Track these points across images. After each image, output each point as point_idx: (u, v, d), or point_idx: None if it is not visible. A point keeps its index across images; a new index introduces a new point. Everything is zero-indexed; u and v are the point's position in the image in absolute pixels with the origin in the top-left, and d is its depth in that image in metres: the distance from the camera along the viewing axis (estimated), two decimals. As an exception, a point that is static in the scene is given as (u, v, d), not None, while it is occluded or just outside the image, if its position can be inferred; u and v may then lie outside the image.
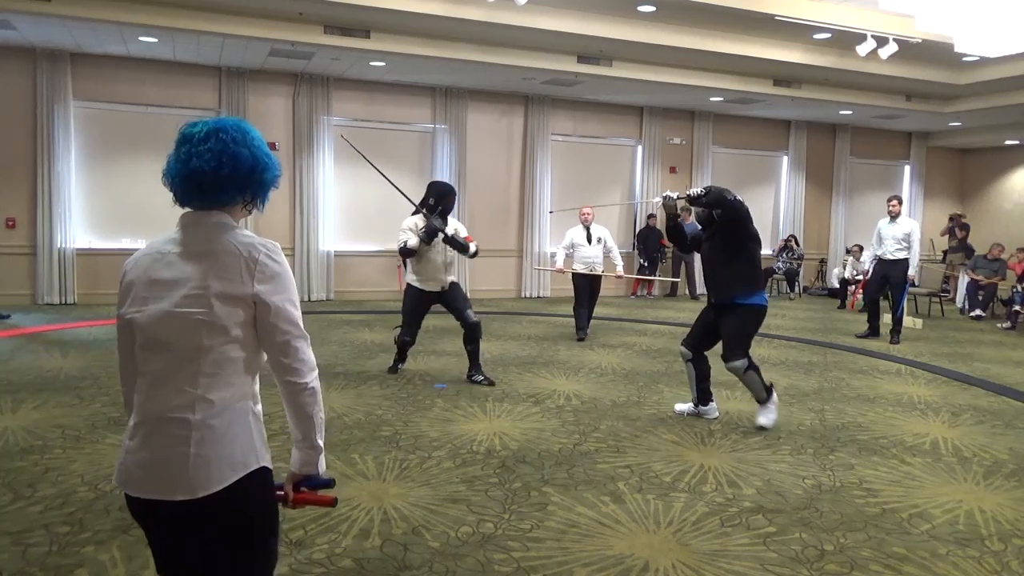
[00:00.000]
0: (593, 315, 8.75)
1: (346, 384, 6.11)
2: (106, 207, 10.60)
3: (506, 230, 12.56)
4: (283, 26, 8.95)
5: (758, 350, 8.21)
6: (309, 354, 1.84)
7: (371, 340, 8.14)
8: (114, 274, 10.56)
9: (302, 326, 1.80)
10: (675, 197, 5.21)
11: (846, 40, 9.54)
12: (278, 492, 1.81)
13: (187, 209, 1.85)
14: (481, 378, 6.25)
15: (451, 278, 6.28)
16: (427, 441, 4.68)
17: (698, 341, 5.32)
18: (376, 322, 9.49)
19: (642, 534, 3.43)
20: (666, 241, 13.32)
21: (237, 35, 8.88)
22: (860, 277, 12.52)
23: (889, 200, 9.04)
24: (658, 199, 5.35)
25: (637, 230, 13.55)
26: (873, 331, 9.21)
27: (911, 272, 8.81)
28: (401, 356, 6.58)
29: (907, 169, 16.12)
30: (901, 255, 8.80)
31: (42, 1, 8.00)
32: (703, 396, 5.37)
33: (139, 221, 10.71)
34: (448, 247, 6.11)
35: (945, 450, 4.84)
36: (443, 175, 12.12)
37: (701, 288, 13.54)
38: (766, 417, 5.20)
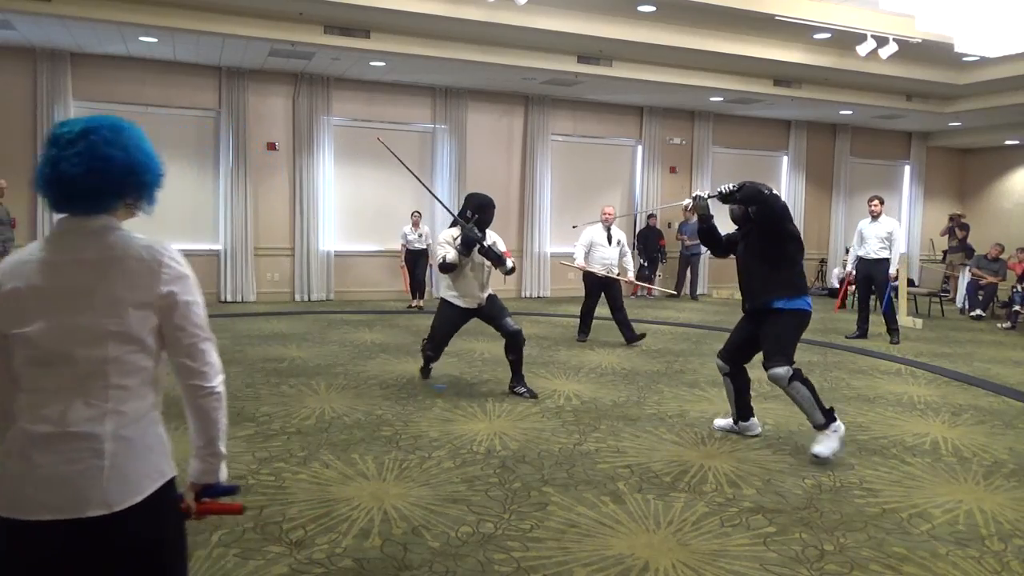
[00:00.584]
0: (597, 316, 8.66)
1: (346, 384, 6.11)
2: (106, 207, 10.59)
3: (506, 230, 12.52)
4: (283, 26, 8.95)
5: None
6: (215, 357, 1.73)
7: (371, 340, 8.14)
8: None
9: (208, 328, 1.71)
10: (707, 197, 4.70)
11: (846, 40, 9.54)
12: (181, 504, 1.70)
13: (63, 214, 1.65)
14: (524, 390, 5.87)
15: (488, 292, 6.02)
16: (427, 441, 4.68)
17: (735, 353, 4.91)
18: (376, 322, 9.49)
19: (642, 534, 3.43)
20: (665, 241, 13.33)
21: (237, 35, 8.88)
22: (842, 277, 12.54)
23: (870, 200, 9.05)
24: (688, 201, 4.83)
25: (637, 230, 13.54)
26: (862, 333, 9.19)
27: (892, 271, 8.81)
28: (426, 369, 6.36)
29: (907, 169, 16.12)
30: (884, 255, 8.84)
31: (42, 1, 8.00)
32: (743, 411, 4.96)
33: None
34: (487, 263, 5.80)
35: (945, 450, 4.84)
36: (443, 175, 12.13)
37: (702, 289, 13.56)
38: (824, 446, 4.42)
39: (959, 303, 12.70)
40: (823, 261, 15.39)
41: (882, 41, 9.20)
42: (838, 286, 13.38)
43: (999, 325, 10.77)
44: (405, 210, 12.06)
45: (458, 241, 5.67)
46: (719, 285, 14.10)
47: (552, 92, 12.26)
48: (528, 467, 4.26)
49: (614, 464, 4.36)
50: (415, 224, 10.99)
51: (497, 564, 3.09)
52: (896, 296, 9.19)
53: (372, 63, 10.28)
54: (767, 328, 4.67)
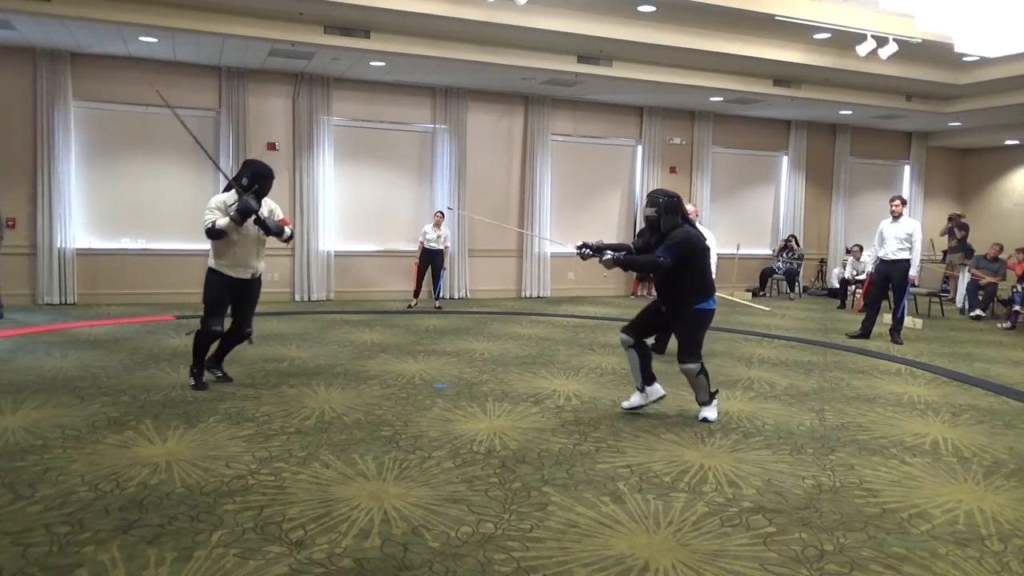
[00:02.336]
0: (600, 317, 8.69)
1: (346, 384, 6.11)
2: (106, 207, 10.60)
3: (506, 230, 12.55)
4: (283, 26, 8.95)
5: (758, 350, 8.23)
6: None
7: (371, 340, 8.14)
8: (114, 274, 10.66)
9: None
10: (589, 252, 5.26)
11: (846, 40, 9.54)
12: None
13: None
14: (220, 374, 6.01)
15: (262, 266, 5.80)
16: (427, 441, 4.68)
17: (641, 330, 5.44)
18: (376, 322, 9.49)
19: (642, 534, 3.43)
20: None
21: (237, 35, 8.88)
22: (862, 277, 12.53)
23: (892, 200, 8.92)
24: (575, 249, 5.39)
25: (637, 230, 13.52)
26: (865, 333, 9.13)
27: (912, 272, 8.70)
28: (219, 354, 5.98)
29: (907, 169, 16.12)
30: (903, 255, 8.70)
31: (42, 1, 8.00)
32: (648, 378, 5.46)
33: (139, 221, 10.72)
34: (261, 231, 5.60)
35: (945, 450, 4.84)
36: (443, 175, 12.13)
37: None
38: (711, 412, 5.37)
39: (959, 303, 12.70)
40: (823, 261, 15.39)
41: (882, 41, 9.20)
42: (838, 286, 13.39)
43: (999, 325, 10.77)
44: (405, 210, 12.08)
45: (232, 208, 5.44)
46: (719, 285, 14.07)
47: (552, 92, 12.26)
48: (528, 467, 4.26)
49: (614, 464, 4.36)
50: (437, 224, 10.98)
51: (497, 564, 3.09)
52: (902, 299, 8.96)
53: (372, 63, 10.28)
54: (680, 326, 5.34)
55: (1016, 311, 10.70)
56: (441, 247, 10.98)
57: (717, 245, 13.93)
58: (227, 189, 5.72)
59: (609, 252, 5.25)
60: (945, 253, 14.58)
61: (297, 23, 8.96)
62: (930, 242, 15.81)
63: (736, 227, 14.32)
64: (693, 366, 5.24)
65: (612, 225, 13.57)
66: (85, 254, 10.43)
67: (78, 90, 10.26)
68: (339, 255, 11.72)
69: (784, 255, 14.12)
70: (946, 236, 14.67)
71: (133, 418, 4.98)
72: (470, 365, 7.01)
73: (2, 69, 9.95)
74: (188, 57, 10.30)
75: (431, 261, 10.97)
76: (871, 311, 9.19)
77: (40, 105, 10.02)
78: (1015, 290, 10.88)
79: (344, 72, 11.03)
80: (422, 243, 10.95)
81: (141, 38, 9.19)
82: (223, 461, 4.20)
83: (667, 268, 5.16)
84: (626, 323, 5.58)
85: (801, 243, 14.55)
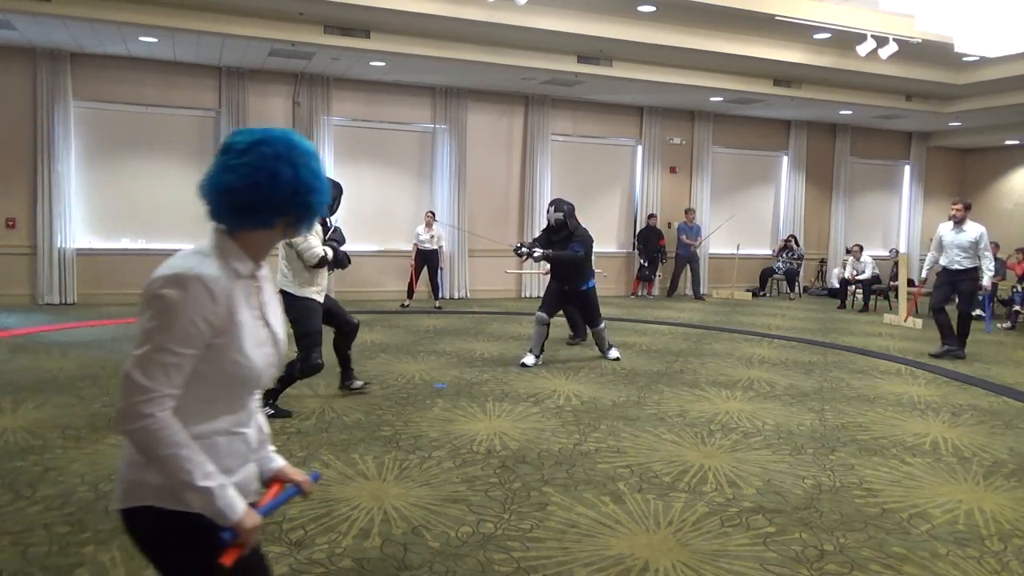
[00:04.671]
0: (605, 317, 8.63)
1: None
2: (106, 207, 10.60)
3: (506, 230, 12.55)
4: (283, 26, 8.95)
5: (758, 350, 8.23)
6: (128, 394, 1.49)
7: (371, 340, 8.14)
8: (114, 274, 10.65)
9: (142, 361, 1.48)
10: (525, 251, 7.07)
11: (846, 40, 9.54)
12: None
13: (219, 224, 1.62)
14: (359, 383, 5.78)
15: None
16: (427, 441, 4.68)
17: (554, 309, 7.18)
18: (376, 322, 9.49)
19: (642, 534, 3.43)
20: (665, 241, 13.34)
21: (237, 35, 8.88)
22: (862, 277, 12.51)
23: (953, 203, 8.07)
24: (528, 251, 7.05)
25: (637, 230, 13.55)
26: (950, 343, 8.11)
27: (985, 282, 7.91)
28: (347, 366, 5.77)
29: (907, 169, 16.12)
30: (968, 264, 7.89)
31: (42, 1, 8.00)
32: (543, 349, 7.12)
33: (139, 221, 10.72)
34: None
35: (945, 450, 4.84)
36: (443, 175, 12.13)
37: (703, 289, 13.56)
38: (615, 352, 7.41)
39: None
40: (823, 261, 15.39)
41: (882, 41, 9.20)
42: (838, 286, 13.38)
43: (999, 325, 10.76)
44: (405, 210, 12.08)
45: (330, 237, 5.30)
46: (719, 285, 14.10)
47: (552, 92, 12.26)
48: (528, 467, 4.26)
49: (614, 464, 4.36)
50: (428, 224, 10.97)
51: (497, 564, 3.09)
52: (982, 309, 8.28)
53: (372, 63, 10.28)
54: (582, 302, 7.27)
55: (1016, 311, 10.70)
56: (435, 247, 10.97)
57: (715, 245, 14.04)
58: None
59: (539, 249, 6.96)
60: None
61: (297, 23, 8.96)
62: (930, 242, 15.82)
63: (736, 227, 14.31)
64: (601, 326, 7.33)
65: (612, 225, 13.57)
66: (85, 254, 10.42)
67: (78, 90, 10.26)
68: (339, 255, 11.72)
69: (784, 255, 14.12)
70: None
71: (133, 418, 4.97)
72: (470, 365, 7.01)
73: (2, 69, 9.95)
74: (188, 57, 10.30)
75: (426, 262, 10.97)
76: (943, 324, 8.17)
77: (40, 105, 10.02)
78: (1015, 290, 10.88)
79: (344, 72, 11.03)
80: (416, 244, 10.96)
81: (141, 38, 9.19)
82: (223, 461, 4.20)
83: (581, 259, 6.89)
84: (541, 304, 7.18)
85: (801, 243, 14.55)
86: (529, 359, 7.02)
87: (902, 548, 3.34)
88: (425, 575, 2.99)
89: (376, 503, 3.67)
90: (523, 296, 12.78)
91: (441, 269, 11.29)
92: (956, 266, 7.96)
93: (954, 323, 8.15)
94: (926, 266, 8.63)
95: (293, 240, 4.91)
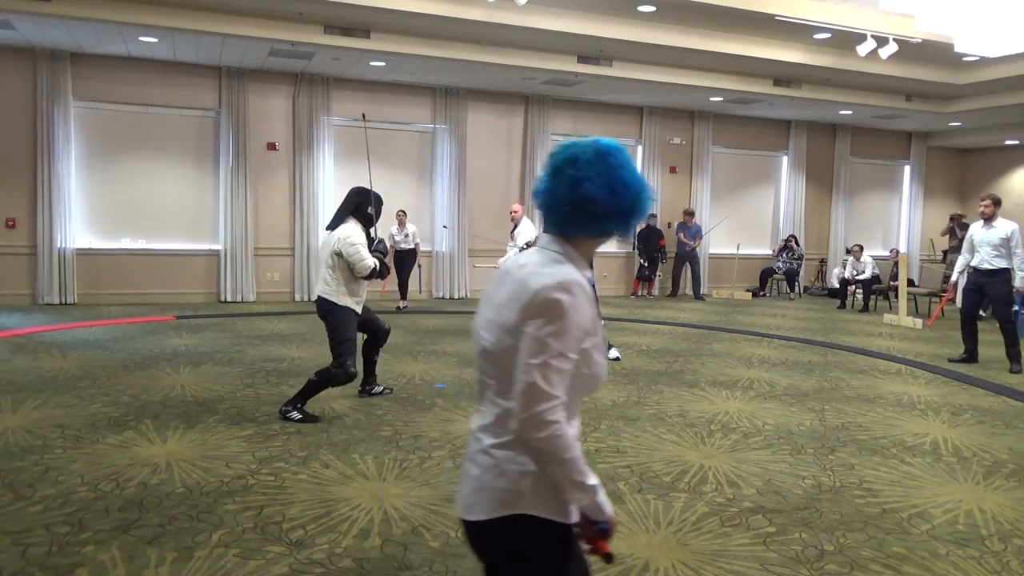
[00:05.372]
0: (604, 317, 8.73)
1: (346, 384, 6.08)
2: (106, 207, 10.60)
3: (506, 230, 12.50)
4: (283, 26, 8.95)
5: (758, 350, 8.22)
6: (540, 405, 1.51)
7: (371, 340, 8.13)
8: (114, 274, 10.65)
9: (543, 374, 1.50)
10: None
11: (846, 40, 9.54)
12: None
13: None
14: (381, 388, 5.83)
15: None
16: (427, 441, 4.68)
17: None
18: (376, 322, 9.48)
19: (642, 534, 3.43)
20: (665, 241, 13.34)
21: (237, 35, 8.88)
22: (862, 277, 12.51)
23: (981, 200, 7.64)
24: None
25: (637, 230, 13.55)
26: (970, 355, 7.82)
27: (1017, 284, 7.38)
28: (372, 371, 5.81)
29: (907, 169, 16.12)
30: (1000, 264, 7.41)
31: (42, 1, 8.00)
32: None
33: (139, 221, 10.72)
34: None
35: (945, 450, 4.84)
36: (443, 175, 12.13)
37: (703, 289, 13.56)
38: (616, 351, 7.44)
39: (959, 303, 12.68)
40: (823, 261, 15.39)
41: (882, 41, 9.20)
42: (838, 286, 13.38)
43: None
44: (405, 210, 12.07)
45: (376, 248, 5.32)
46: (719, 285, 14.10)
47: (552, 92, 12.26)
48: (528, 467, 4.25)
49: (614, 464, 4.36)
50: (400, 224, 10.89)
51: (497, 564, 3.08)
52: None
53: (372, 63, 10.28)
54: None
55: (1015, 311, 10.68)
56: (411, 246, 10.86)
57: (715, 245, 14.03)
58: (336, 221, 5.21)
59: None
60: (946, 253, 14.59)
61: (297, 23, 8.96)
62: (930, 242, 15.82)
63: (736, 227, 14.32)
64: (600, 324, 7.06)
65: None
66: (85, 254, 10.42)
67: (78, 90, 10.26)
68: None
69: (784, 255, 14.11)
70: (947, 236, 14.67)
71: (133, 418, 4.98)
72: (470, 365, 7.01)
73: (2, 69, 9.95)
74: (188, 57, 10.30)
75: (403, 261, 10.81)
76: (969, 329, 7.87)
77: (40, 105, 10.02)
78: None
79: (344, 72, 11.03)
80: (392, 246, 10.91)
81: (141, 38, 9.19)
82: (223, 461, 4.21)
83: None
84: None
85: (801, 243, 14.55)
86: None
87: (902, 548, 3.34)
88: (425, 575, 2.99)
89: (376, 503, 3.67)
90: (523, 296, 12.76)
91: (419, 266, 11.18)
92: (986, 265, 7.48)
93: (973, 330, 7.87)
94: (957, 268, 8.07)
95: (346, 251, 5.00)
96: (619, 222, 1.65)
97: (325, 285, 5.14)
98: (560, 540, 1.61)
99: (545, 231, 1.69)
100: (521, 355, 1.52)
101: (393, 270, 10.92)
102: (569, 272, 1.57)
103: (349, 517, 3.50)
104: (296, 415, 5.04)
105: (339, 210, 5.24)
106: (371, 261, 5.08)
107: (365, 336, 5.60)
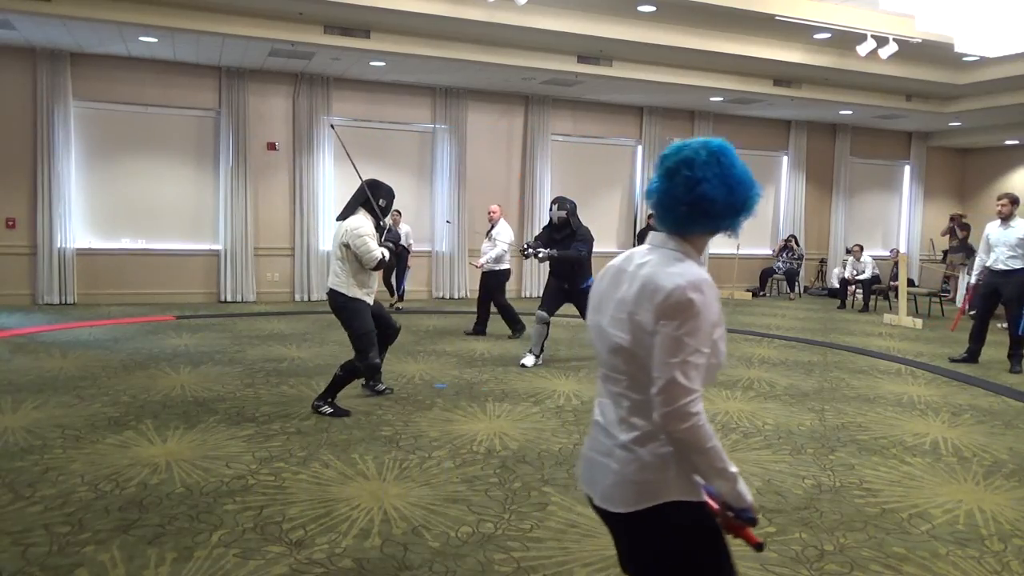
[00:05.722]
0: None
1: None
2: (106, 207, 10.60)
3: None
4: (283, 26, 8.95)
5: (758, 350, 8.23)
6: (680, 402, 1.59)
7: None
8: (114, 274, 10.66)
9: (683, 370, 1.58)
10: (529, 251, 7.10)
11: (846, 40, 9.54)
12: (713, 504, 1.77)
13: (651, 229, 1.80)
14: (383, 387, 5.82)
15: None
16: (427, 441, 4.68)
17: (554, 308, 7.13)
18: (376, 322, 9.48)
19: (642, 534, 3.42)
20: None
21: (237, 35, 8.87)
22: (862, 277, 12.51)
23: (998, 199, 7.50)
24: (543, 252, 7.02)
25: (637, 230, 13.55)
26: (971, 355, 7.80)
27: None
28: (375, 377, 5.76)
29: (907, 169, 16.12)
30: (1016, 264, 7.30)
31: (42, 1, 8.00)
32: (543, 349, 7.16)
33: (139, 221, 10.72)
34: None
35: (945, 450, 4.84)
36: (443, 175, 12.13)
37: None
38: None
39: (959, 303, 12.69)
40: (823, 261, 15.39)
41: (882, 41, 9.20)
42: (838, 286, 13.38)
43: (999, 325, 10.75)
44: (405, 210, 12.03)
45: (386, 239, 5.39)
46: (719, 285, 13.89)
47: (552, 92, 12.26)
48: (528, 467, 4.26)
49: (614, 464, 4.35)
50: (395, 223, 10.84)
51: (497, 564, 3.09)
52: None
53: (372, 63, 10.28)
54: (581, 299, 6.96)
55: None
56: (404, 245, 10.84)
57: (714, 245, 14.00)
58: (346, 212, 5.26)
59: (543, 250, 7.01)
60: (946, 253, 14.58)
61: (297, 23, 8.96)
62: (930, 242, 15.82)
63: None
64: None
65: (612, 225, 13.57)
66: (85, 254, 10.42)
67: (78, 90, 10.26)
68: (339, 255, 11.72)
69: (784, 255, 14.12)
70: (947, 236, 14.67)
71: (133, 418, 4.98)
72: (470, 365, 7.01)
73: (2, 69, 9.95)
74: (188, 57, 10.30)
75: (398, 261, 10.76)
76: (978, 330, 7.79)
77: (40, 105, 10.02)
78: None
79: (344, 72, 11.03)
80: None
81: (141, 38, 9.19)
82: (223, 461, 4.21)
83: (584, 259, 6.95)
84: (541, 303, 7.16)
85: (801, 243, 14.55)
86: (529, 360, 7.05)
87: (902, 548, 3.34)
88: (425, 575, 2.99)
89: (376, 503, 3.68)
90: (523, 296, 12.78)
91: (408, 269, 11.18)
92: (1001, 266, 7.37)
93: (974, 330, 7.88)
94: (975, 270, 7.93)
95: (353, 243, 5.03)
96: (733, 219, 1.74)
97: (335, 277, 5.18)
98: (709, 515, 1.74)
99: (660, 229, 1.76)
100: (659, 353, 1.60)
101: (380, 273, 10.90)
102: (696, 270, 1.67)
103: (349, 517, 3.50)
104: (327, 409, 5.15)
105: (349, 201, 5.30)
106: (378, 252, 5.10)
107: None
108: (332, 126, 7.50)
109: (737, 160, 1.72)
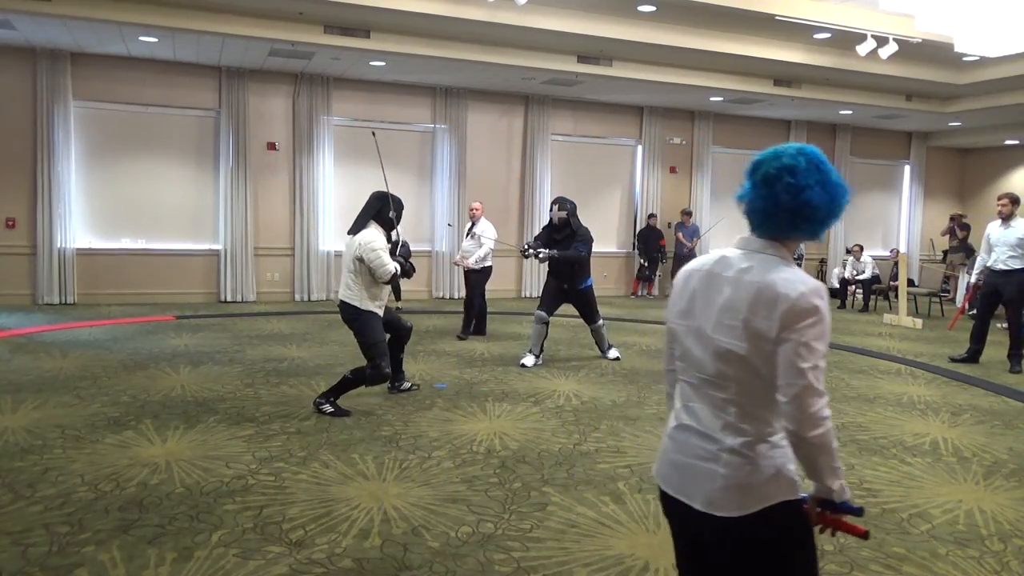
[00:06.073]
0: (605, 316, 8.68)
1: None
2: (106, 207, 10.60)
3: (506, 230, 12.53)
4: (283, 26, 8.95)
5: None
6: (815, 406, 1.64)
7: (371, 340, 8.14)
8: (114, 274, 10.66)
9: (814, 375, 1.63)
10: (530, 251, 7.09)
11: (846, 40, 9.54)
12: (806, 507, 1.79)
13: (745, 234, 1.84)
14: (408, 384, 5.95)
15: None
16: (427, 441, 4.68)
17: (553, 308, 7.14)
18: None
19: (642, 534, 3.43)
20: (666, 241, 13.35)
21: (237, 35, 8.87)
22: (862, 277, 12.50)
23: (999, 199, 7.48)
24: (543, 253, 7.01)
25: (637, 230, 13.55)
26: (972, 355, 7.80)
27: None
28: (398, 368, 5.87)
29: (907, 169, 16.12)
30: (1016, 264, 7.29)
31: (42, 1, 8.00)
32: (542, 349, 7.19)
33: (139, 221, 10.72)
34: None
35: (945, 450, 4.84)
36: (443, 175, 12.13)
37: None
38: (615, 351, 7.49)
39: (959, 303, 12.69)
40: (823, 261, 15.39)
41: (882, 41, 9.19)
42: (838, 286, 13.37)
43: (999, 325, 10.75)
44: (405, 210, 12.04)
45: (399, 254, 5.44)
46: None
47: (552, 92, 12.26)
48: (528, 467, 4.26)
49: (614, 464, 4.36)
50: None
51: (497, 564, 3.09)
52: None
53: (372, 63, 10.28)
54: (581, 300, 7.20)
55: None
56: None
57: (715, 245, 14.00)
58: (357, 226, 5.26)
59: (544, 250, 6.99)
60: (946, 253, 14.58)
61: (297, 23, 8.96)
62: (930, 242, 15.82)
63: (736, 227, 14.28)
64: (600, 323, 7.32)
65: (612, 225, 13.57)
66: (85, 254, 10.42)
67: (78, 90, 10.26)
68: (339, 255, 11.69)
69: (784, 255, 14.10)
70: (947, 236, 14.67)
71: (133, 418, 4.98)
72: (470, 365, 7.01)
73: (2, 69, 9.95)
74: (188, 57, 10.30)
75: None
76: (979, 330, 7.79)
77: (40, 105, 10.01)
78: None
79: (344, 72, 11.03)
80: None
81: (141, 38, 9.19)
82: (223, 461, 4.21)
83: (584, 258, 6.99)
84: (540, 303, 7.16)
85: (801, 243, 14.52)
86: (529, 360, 7.06)
87: (902, 548, 3.34)
88: (425, 575, 2.99)
89: (376, 503, 3.68)
90: (523, 296, 12.78)
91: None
92: (1002, 266, 7.36)
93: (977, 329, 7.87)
94: (975, 270, 7.95)
95: (367, 257, 5.08)
96: (829, 224, 1.77)
97: (347, 290, 5.22)
98: (806, 514, 1.76)
99: (756, 235, 1.79)
100: (789, 360, 1.63)
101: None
102: (808, 276, 1.70)
103: (349, 517, 3.50)
104: (328, 408, 5.20)
105: (360, 215, 5.34)
106: (392, 267, 5.18)
107: (388, 336, 5.66)
108: (373, 133, 7.54)
109: (831, 166, 1.76)
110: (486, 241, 8.55)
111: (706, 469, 1.75)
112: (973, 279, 8.10)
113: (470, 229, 8.74)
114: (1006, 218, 7.39)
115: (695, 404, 1.81)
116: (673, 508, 1.85)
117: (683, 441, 1.82)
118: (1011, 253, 7.32)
